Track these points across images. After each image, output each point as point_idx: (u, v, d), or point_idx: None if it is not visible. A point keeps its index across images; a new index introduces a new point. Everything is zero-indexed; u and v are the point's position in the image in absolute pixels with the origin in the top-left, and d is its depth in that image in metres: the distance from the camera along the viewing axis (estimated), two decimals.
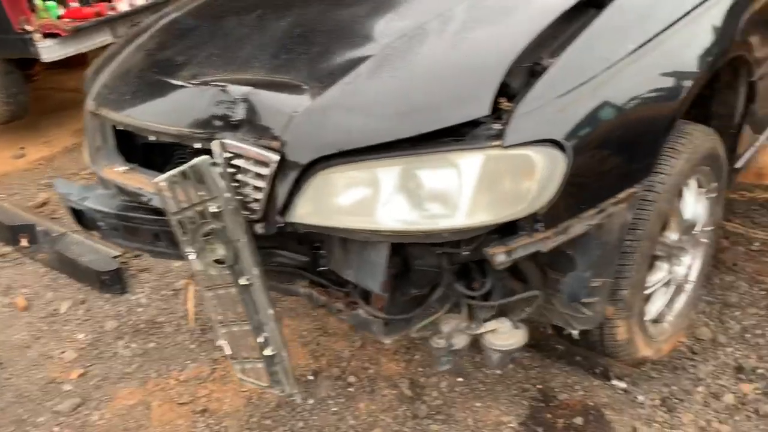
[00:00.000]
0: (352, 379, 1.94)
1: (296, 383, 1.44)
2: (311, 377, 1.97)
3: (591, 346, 1.68)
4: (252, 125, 1.35)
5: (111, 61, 1.83)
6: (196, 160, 1.29)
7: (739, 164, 1.94)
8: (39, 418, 1.95)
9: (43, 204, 3.22)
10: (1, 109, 3.87)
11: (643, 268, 1.52)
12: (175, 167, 1.32)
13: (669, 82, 1.38)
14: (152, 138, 1.54)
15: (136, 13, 3.80)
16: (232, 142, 1.34)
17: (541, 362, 1.91)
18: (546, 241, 1.25)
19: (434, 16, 1.43)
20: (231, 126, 1.37)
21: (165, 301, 2.42)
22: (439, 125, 1.21)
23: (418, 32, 1.40)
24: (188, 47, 1.69)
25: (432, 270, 1.40)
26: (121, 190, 1.62)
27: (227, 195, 1.31)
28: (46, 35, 3.48)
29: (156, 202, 1.47)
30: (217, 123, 1.39)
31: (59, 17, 3.58)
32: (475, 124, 1.21)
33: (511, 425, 1.73)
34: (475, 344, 1.51)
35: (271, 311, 1.37)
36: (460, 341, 1.45)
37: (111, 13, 3.74)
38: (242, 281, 1.36)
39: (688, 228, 1.71)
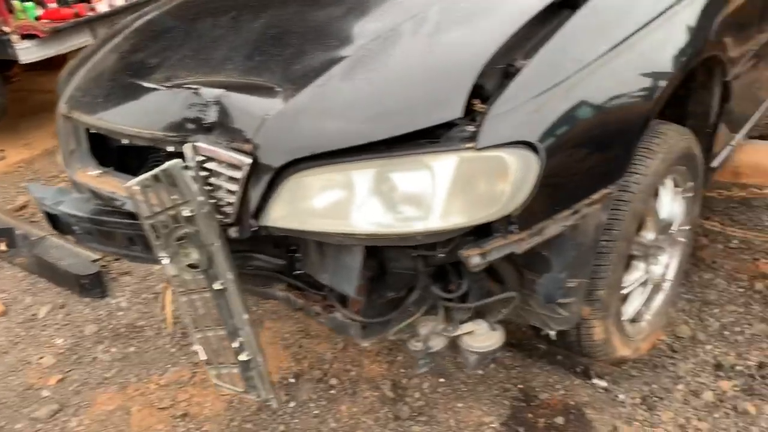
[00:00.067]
0: (334, 381, 1.93)
1: (272, 388, 1.43)
2: (293, 380, 1.96)
3: (568, 346, 1.69)
4: (224, 128, 1.33)
5: (85, 64, 1.81)
6: (168, 164, 1.27)
7: (715, 163, 1.96)
8: (16, 425, 1.92)
9: (23, 207, 3.18)
10: None
11: (620, 268, 1.52)
12: (149, 170, 1.31)
13: (643, 83, 1.38)
14: (125, 141, 1.53)
15: (116, 13, 3.77)
16: (205, 146, 1.33)
17: (522, 362, 1.91)
18: (520, 242, 1.25)
19: (408, 18, 1.42)
20: (204, 129, 1.36)
21: (146, 304, 2.40)
22: (412, 128, 1.20)
23: (391, 34, 1.39)
24: (162, 49, 1.67)
25: (408, 272, 1.39)
26: (95, 194, 1.60)
27: (200, 199, 1.29)
28: (24, 36, 3.45)
29: (129, 206, 1.45)
30: (190, 126, 1.37)
31: (37, 18, 3.54)
32: (449, 126, 1.21)
33: (493, 425, 1.73)
34: (456, 345, 1.51)
35: (246, 316, 1.36)
36: (438, 343, 1.45)
37: (90, 13, 3.72)
38: (216, 286, 1.34)
39: (664, 227, 1.72)
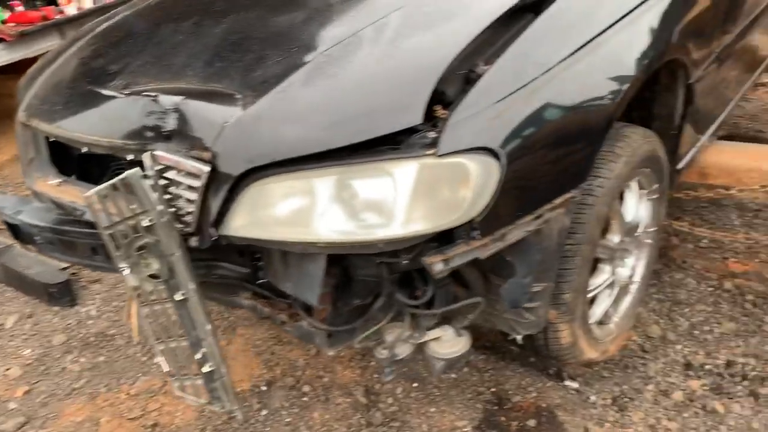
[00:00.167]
0: (306, 388, 1.92)
1: (237, 399, 1.41)
2: (265, 387, 1.94)
3: (537, 350, 1.69)
4: (183, 136, 1.31)
5: (45, 70, 1.77)
6: (126, 173, 1.25)
7: (681, 165, 1.97)
8: None
9: None
10: None
11: (585, 271, 1.53)
12: (111, 179, 1.28)
13: (605, 86, 1.38)
14: (84, 149, 1.50)
15: (84, 16, 3.71)
16: (163, 154, 1.31)
17: (495, 364, 1.91)
18: (483, 248, 1.24)
19: (369, 23, 1.41)
20: (162, 137, 1.33)
21: (116, 312, 2.36)
22: (372, 134, 1.19)
23: (352, 40, 1.38)
24: (123, 55, 1.64)
25: (373, 279, 1.38)
26: (56, 204, 1.57)
27: (160, 208, 1.27)
28: None
29: (89, 216, 1.43)
30: (149, 134, 1.35)
31: (4, 21, 3.48)
32: (411, 132, 1.20)
33: (466, 429, 1.73)
34: (423, 351, 1.50)
35: (208, 326, 1.34)
36: (404, 350, 1.44)
37: (59, 16, 3.65)
38: (178, 296, 1.32)
39: (630, 230, 1.73)
